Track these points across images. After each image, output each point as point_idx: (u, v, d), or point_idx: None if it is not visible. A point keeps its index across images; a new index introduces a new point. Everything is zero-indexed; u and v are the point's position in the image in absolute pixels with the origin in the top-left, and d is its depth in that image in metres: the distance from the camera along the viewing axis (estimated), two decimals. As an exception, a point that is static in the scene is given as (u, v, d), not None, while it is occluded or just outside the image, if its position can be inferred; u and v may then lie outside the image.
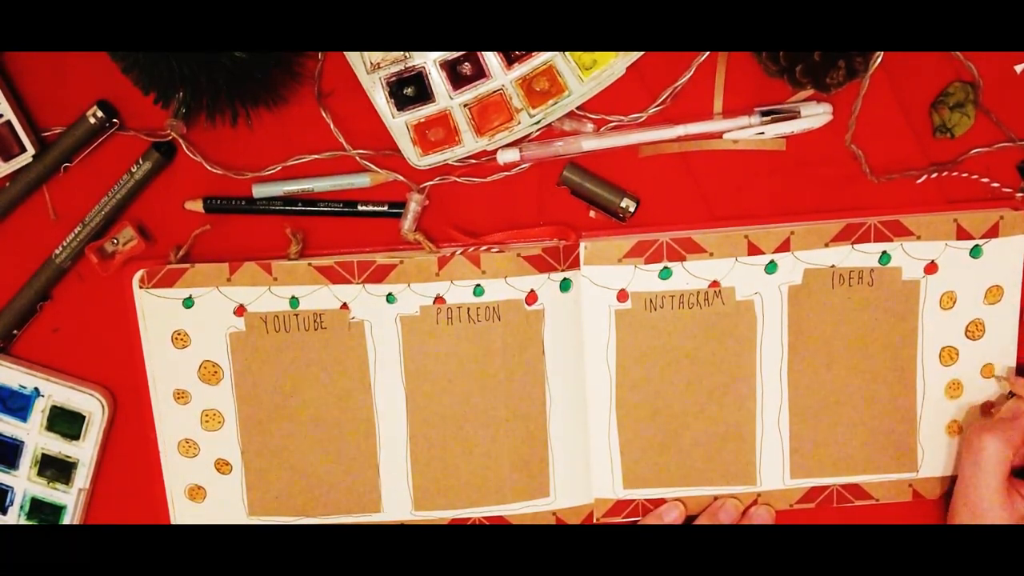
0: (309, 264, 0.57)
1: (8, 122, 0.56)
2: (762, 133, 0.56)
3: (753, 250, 0.58)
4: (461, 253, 0.57)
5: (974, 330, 0.60)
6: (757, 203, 0.58)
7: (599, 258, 0.58)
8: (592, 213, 0.58)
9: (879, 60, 0.54)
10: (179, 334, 0.58)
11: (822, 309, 0.59)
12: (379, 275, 0.57)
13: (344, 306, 0.58)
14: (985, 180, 0.58)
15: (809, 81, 0.54)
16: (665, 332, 0.59)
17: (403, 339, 0.59)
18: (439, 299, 0.58)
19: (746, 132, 0.57)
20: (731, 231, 0.58)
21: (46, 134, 0.58)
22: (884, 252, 0.58)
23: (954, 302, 0.59)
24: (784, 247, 0.58)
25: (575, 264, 0.58)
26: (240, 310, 0.58)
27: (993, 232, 0.58)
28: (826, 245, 0.58)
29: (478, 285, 0.57)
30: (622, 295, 0.58)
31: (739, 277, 0.58)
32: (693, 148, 0.58)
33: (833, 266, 0.58)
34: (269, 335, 0.58)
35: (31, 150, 0.57)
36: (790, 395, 0.60)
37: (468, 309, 0.58)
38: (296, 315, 0.58)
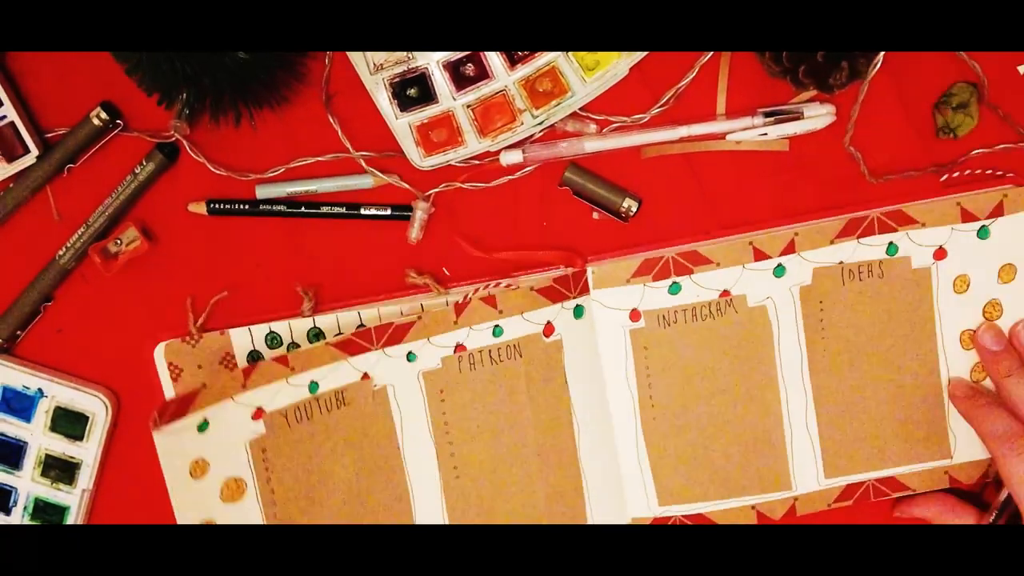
0: (327, 343, 0.56)
1: (11, 123, 0.56)
2: (765, 134, 0.56)
3: (759, 255, 0.58)
4: (477, 296, 0.56)
5: (991, 311, 0.59)
6: (761, 204, 0.58)
7: (607, 280, 0.58)
8: (595, 214, 0.58)
9: (879, 63, 0.54)
10: (197, 463, 0.55)
11: (835, 306, 0.59)
12: (398, 336, 0.56)
13: (365, 376, 0.57)
14: (989, 174, 0.58)
15: (812, 82, 0.54)
16: (681, 347, 0.59)
17: (427, 395, 0.58)
18: (460, 347, 0.57)
19: (749, 133, 0.57)
20: (735, 239, 0.58)
21: (49, 135, 0.58)
22: (891, 243, 0.58)
23: (968, 285, 0.59)
24: (789, 249, 0.58)
25: (585, 289, 0.58)
26: (258, 413, 0.55)
27: (998, 211, 0.58)
28: (831, 242, 0.58)
29: (497, 326, 0.57)
30: (634, 315, 0.58)
31: (748, 284, 0.58)
32: (696, 149, 0.58)
33: (841, 262, 0.58)
34: (291, 428, 0.56)
35: (35, 151, 0.57)
36: (814, 395, 0.60)
37: (490, 351, 0.57)
38: (317, 399, 0.56)
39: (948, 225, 0.58)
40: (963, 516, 0.60)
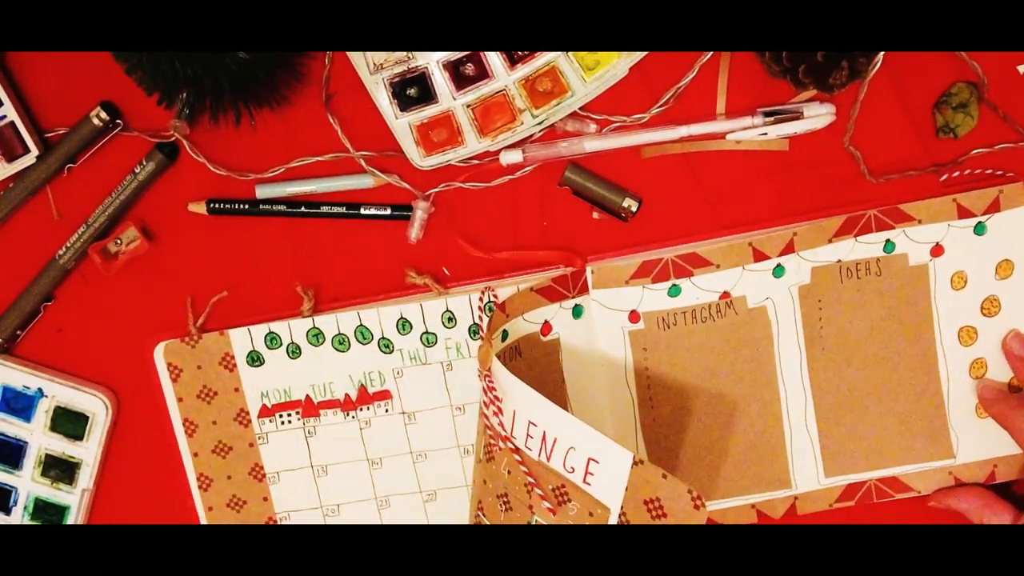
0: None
1: (12, 123, 0.56)
2: (765, 134, 0.56)
3: (759, 256, 0.58)
4: (487, 302, 0.56)
5: (989, 307, 0.59)
6: (760, 204, 0.58)
7: (607, 281, 0.58)
8: (595, 214, 0.58)
9: (879, 64, 0.54)
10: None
11: (834, 305, 0.59)
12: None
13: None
14: (988, 173, 0.58)
15: (812, 81, 0.54)
16: (681, 349, 0.59)
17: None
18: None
19: (749, 133, 0.57)
20: (735, 240, 0.58)
21: (50, 135, 0.58)
22: (888, 240, 0.58)
23: (965, 281, 0.59)
24: (788, 249, 0.58)
25: (584, 289, 0.58)
26: None
27: (994, 207, 0.57)
28: (829, 241, 0.58)
29: (504, 330, 0.56)
30: (633, 316, 0.58)
31: (748, 285, 0.58)
32: (696, 149, 0.58)
33: (839, 261, 0.58)
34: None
35: (35, 151, 0.57)
36: (813, 393, 0.60)
37: (496, 356, 0.57)
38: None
39: (945, 222, 0.58)
40: (1000, 514, 0.59)
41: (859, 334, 0.59)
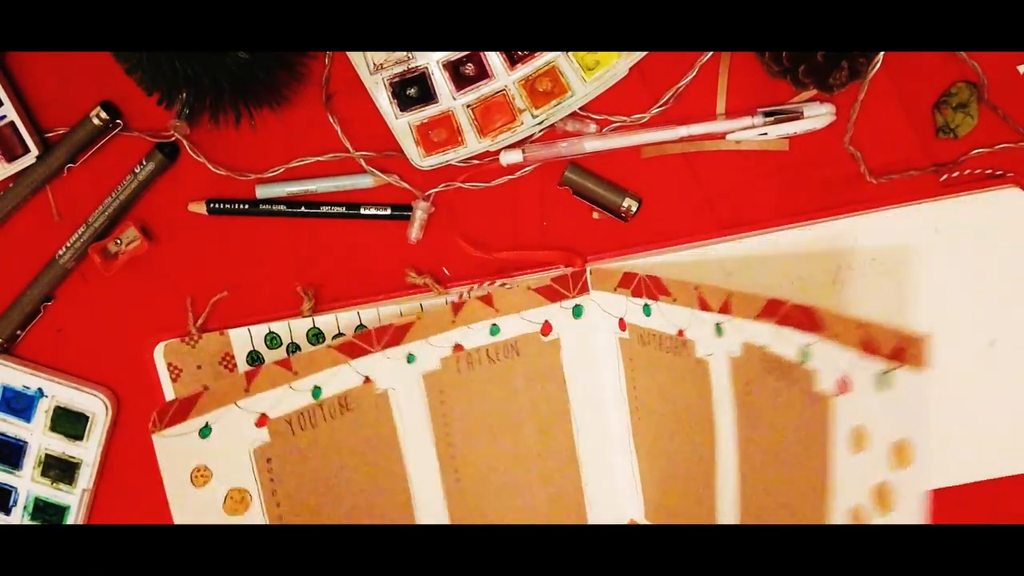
0: (328, 346, 0.54)
1: (12, 123, 0.56)
2: (765, 134, 0.56)
3: (703, 304, 0.50)
4: (473, 295, 0.56)
5: (880, 498, 0.43)
6: (761, 204, 0.58)
7: (601, 284, 0.58)
8: (595, 214, 0.58)
9: (879, 63, 0.54)
10: (199, 471, 0.52)
11: (761, 392, 0.49)
12: (397, 337, 0.55)
13: (367, 380, 0.55)
14: (988, 174, 0.58)
15: (812, 81, 0.54)
16: (657, 369, 0.56)
17: (428, 398, 0.57)
18: (458, 347, 0.56)
19: (749, 133, 0.57)
20: (687, 277, 0.52)
21: (50, 135, 0.58)
22: (808, 346, 0.45)
23: (863, 447, 0.43)
24: (726, 309, 0.49)
25: (584, 289, 0.58)
26: (262, 420, 0.53)
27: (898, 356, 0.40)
28: (757, 318, 0.47)
29: (494, 324, 0.56)
30: (622, 324, 0.57)
31: (697, 331, 0.51)
32: (696, 149, 0.58)
33: (763, 347, 0.47)
34: (296, 436, 0.54)
35: (35, 151, 0.57)
36: (740, 481, 0.52)
37: (487, 350, 0.57)
38: (320, 405, 0.54)
39: (852, 349, 0.42)
40: None
41: (789, 439, 0.48)
